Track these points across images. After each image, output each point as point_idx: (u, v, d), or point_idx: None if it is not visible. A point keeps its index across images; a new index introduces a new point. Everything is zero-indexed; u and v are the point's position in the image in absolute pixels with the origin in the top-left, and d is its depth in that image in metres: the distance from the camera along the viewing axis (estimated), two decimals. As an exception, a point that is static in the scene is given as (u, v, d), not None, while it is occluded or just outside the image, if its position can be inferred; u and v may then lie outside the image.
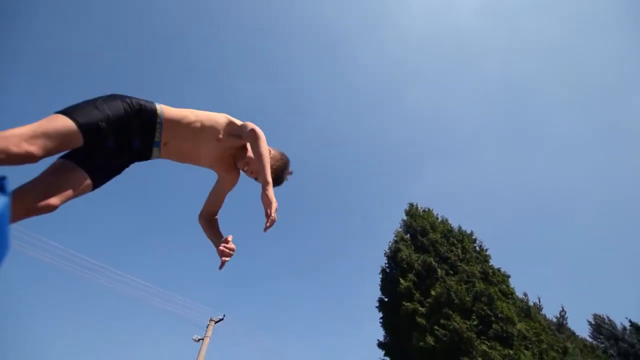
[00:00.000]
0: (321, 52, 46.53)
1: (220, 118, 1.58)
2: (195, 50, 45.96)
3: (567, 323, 14.32)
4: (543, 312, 13.39)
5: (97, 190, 1.37)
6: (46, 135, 1.06)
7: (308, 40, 45.22)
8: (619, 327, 14.68)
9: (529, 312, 9.29)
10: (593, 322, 15.43)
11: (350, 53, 45.96)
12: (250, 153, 1.65)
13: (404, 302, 9.08)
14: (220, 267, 1.40)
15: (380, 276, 11.45)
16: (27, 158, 1.03)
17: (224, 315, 13.54)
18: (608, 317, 15.26)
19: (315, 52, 46.43)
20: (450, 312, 8.15)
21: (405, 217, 12.22)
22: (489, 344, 7.52)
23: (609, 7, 37.24)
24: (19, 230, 10.59)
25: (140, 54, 44.12)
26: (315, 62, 47.80)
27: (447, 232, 10.98)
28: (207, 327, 13.02)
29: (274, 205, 1.38)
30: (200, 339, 12.68)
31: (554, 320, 14.24)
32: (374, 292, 12.18)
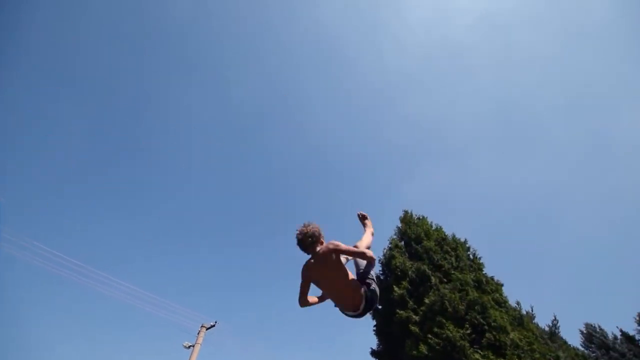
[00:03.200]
0: (320, 59, 46.94)
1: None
2: (196, 52, 46.01)
3: (559, 332, 14.40)
4: (535, 320, 13.45)
5: (88, 196, 1.37)
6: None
7: (307, 48, 45.62)
8: (610, 336, 14.77)
9: (522, 321, 9.29)
10: (585, 331, 15.51)
11: (348, 60, 46.42)
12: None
13: (398, 310, 9.06)
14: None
15: (374, 283, 11.41)
16: None
17: (216, 322, 13.37)
18: (599, 326, 15.35)
19: (314, 59, 46.82)
20: (444, 320, 8.13)
21: (399, 225, 12.25)
22: (481, 352, 7.52)
23: (601, 21, 38.23)
24: (11, 235, 10.39)
25: (140, 54, 44.04)
26: (314, 69, 48.17)
27: (441, 240, 11.00)
28: (198, 334, 12.83)
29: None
30: (191, 346, 12.48)
31: (547, 329, 14.30)
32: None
